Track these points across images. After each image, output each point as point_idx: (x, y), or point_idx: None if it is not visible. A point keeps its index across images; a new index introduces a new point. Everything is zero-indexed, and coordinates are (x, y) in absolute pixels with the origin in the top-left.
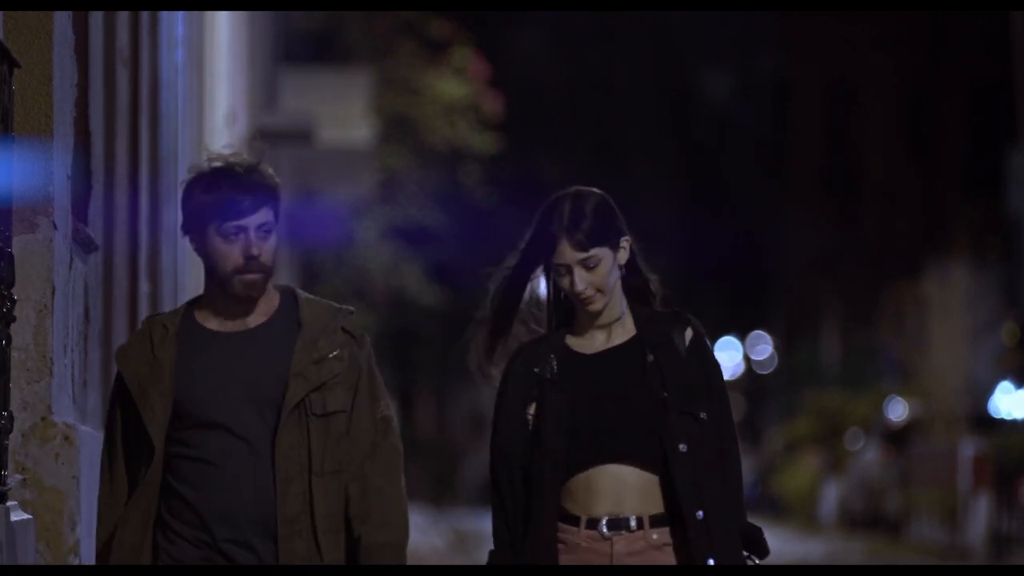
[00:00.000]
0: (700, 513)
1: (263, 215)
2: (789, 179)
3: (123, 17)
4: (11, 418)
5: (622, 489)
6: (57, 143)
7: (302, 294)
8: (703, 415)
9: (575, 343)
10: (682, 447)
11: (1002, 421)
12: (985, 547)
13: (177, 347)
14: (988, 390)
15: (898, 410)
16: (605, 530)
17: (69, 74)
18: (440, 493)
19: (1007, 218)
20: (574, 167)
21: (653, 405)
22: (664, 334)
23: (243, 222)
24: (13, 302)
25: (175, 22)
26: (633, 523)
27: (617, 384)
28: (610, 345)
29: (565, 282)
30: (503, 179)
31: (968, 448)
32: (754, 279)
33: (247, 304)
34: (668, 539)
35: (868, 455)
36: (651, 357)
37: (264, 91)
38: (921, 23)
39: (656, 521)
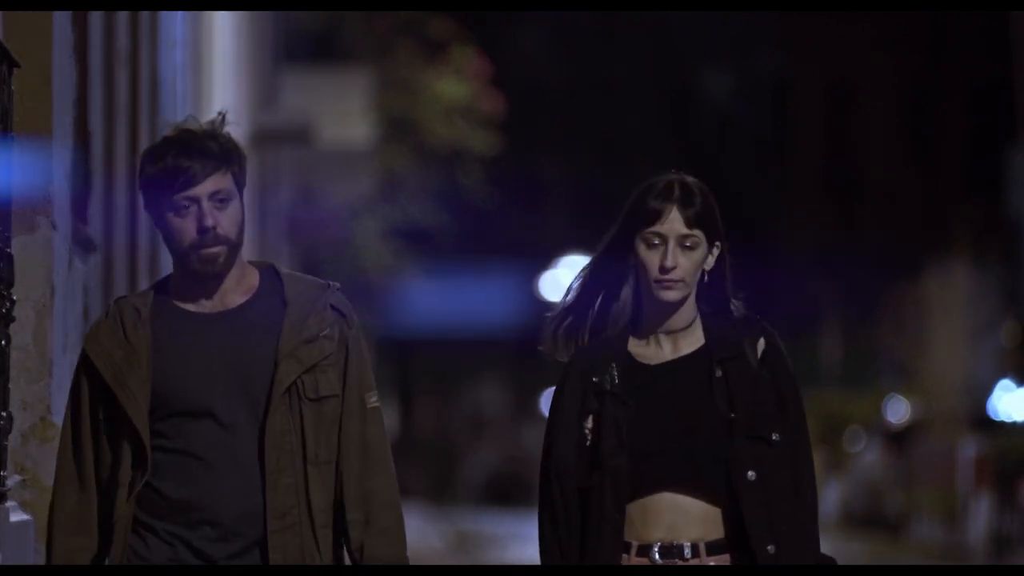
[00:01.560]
0: (771, 547)
1: (216, 181)
2: (789, 179)
3: (123, 17)
4: (11, 418)
5: (679, 517)
6: (57, 143)
7: (284, 270)
8: (775, 437)
9: (639, 351)
10: (751, 475)
11: (1002, 421)
12: (985, 547)
13: (152, 330)
14: (988, 390)
15: (899, 410)
16: (657, 557)
17: (69, 74)
18: (440, 493)
19: (1007, 218)
20: (574, 167)
21: (719, 428)
22: (735, 345)
23: (192, 192)
24: (13, 302)
25: (175, 22)
26: (688, 551)
27: (681, 401)
28: (677, 356)
29: (654, 256)
30: (503, 179)
31: (968, 448)
32: (753, 279)
33: (216, 281)
34: (727, 567)
35: (869, 455)
36: (719, 372)
37: (264, 91)
38: (921, 23)
39: (714, 548)
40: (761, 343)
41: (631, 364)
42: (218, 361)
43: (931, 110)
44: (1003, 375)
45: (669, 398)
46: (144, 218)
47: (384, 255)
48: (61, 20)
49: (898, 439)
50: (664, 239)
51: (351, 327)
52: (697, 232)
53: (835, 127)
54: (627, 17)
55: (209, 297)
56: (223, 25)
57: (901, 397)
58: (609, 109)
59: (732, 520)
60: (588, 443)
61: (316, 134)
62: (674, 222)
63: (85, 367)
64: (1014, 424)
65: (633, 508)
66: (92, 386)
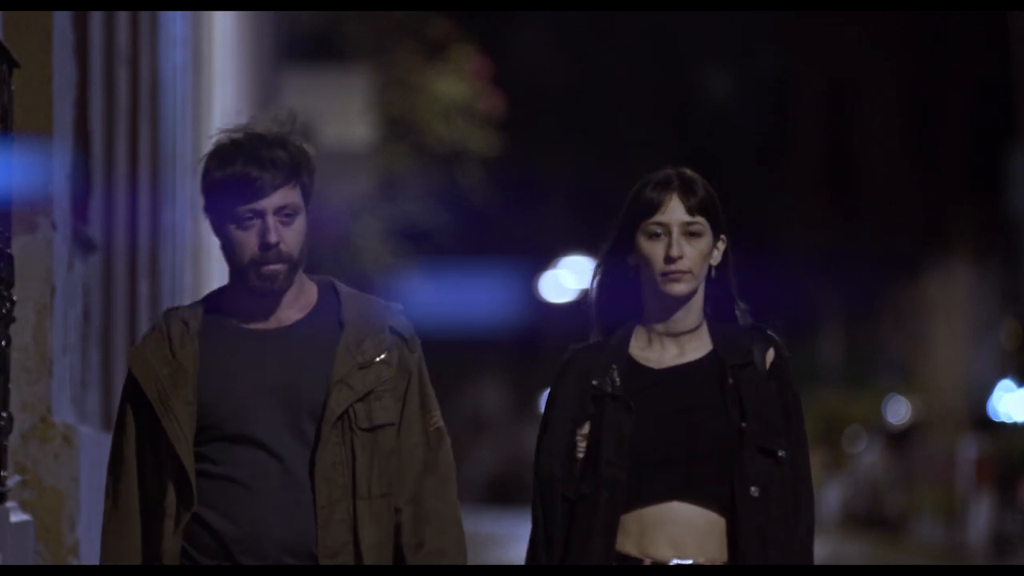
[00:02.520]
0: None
1: (284, 195)
2: (789, 179)
3: (123, 17)
4: (11, 419)
5: (685, 531)
6: (57, 143)
7: (344, 288)
8: (782, 453)
9: (641, 354)
10: (754, 491)
11: (1002, 422)
12: (986, 547)
13: (200, 346)
14: (989, 390)
15: (899, 411)
16: None
17: (69, 74)
18: None
19: (1007, 218)
20: (574, 167)
21: (729, 437)
22: (745, 353)
23: (258, 205)
24: (13, 303)
25: (175, 22)
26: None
27: (690, 408)
28: (683, 360)
29: (657, 247)
30: (503, 179)
31: (969, 448)
32: (753, 279)
33: (273, 298)
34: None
35: (869, 456)
36: (731, 380)
37: (264, 91)
38: (921, 23)
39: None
40: (771, 353)
41: (634, 367)
42: (267, 383)
43: (931, 110)
44: (1003, 375)
45: (675, 404)
46: (145, 218)
47: (384, 255)
48: (61, 20)
49: (898, 439)
50: (667, 228)
51: (413, 351)
52: (701, 219)
53: (835, 127)
54: (627, 17)
55: (264, 314)
56: (223, 25)
57: (901, 397)
58: (609, 109)
59: (732, 534)
60: (580, 451)
61: (316, 134)
62: (675, 210)
63: (130, 386)
64: (1014, 424)
65: (631, 519)
66: (137, 406)
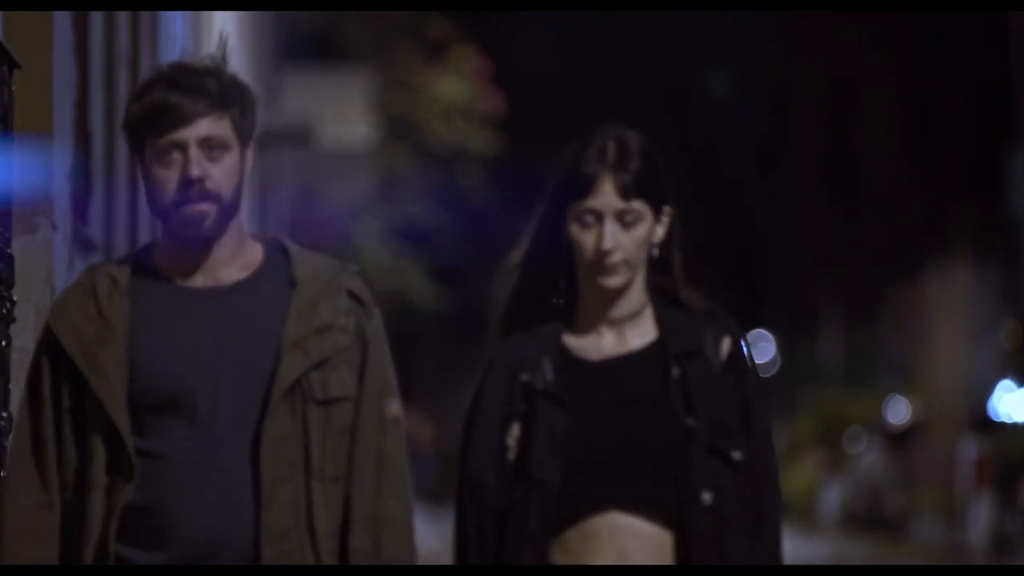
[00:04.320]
0: None
1: (210, 126)
2: (789, 179)
3: (123, 17)
4: (11, 419)
5: (630, 542)
6: (57, 143)
7: (293, 245)
8: (736, 455)
9: (576, 344)
10: (705, 496)
11: (1002, 422)
12: (986, 547)
13: (130, 304)
14: (989, 390)
15: (899, 411)
16: None
17: (69, 74)
18: (440, 493)
19: (1007, 218)
20: None
21: (674, 436)
22: (695, 341)
23: (179, 135)
24: (13, 303)
25: (175, 22)
26: None
27: (630, 403)
28: (623, 350)
29: (588, 237)
30: (503, 179)
31: (969, 449)
32: (754, 279)
33: (204, 248)
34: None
35: (869, 456)
36: (676, 371)
37: (264, 91)
38: (921, 23)
39: None
40: (726, 342)
41: (568, 359)
42: (207, 346)
43: (931, 110)
44: (1003, 375)
45: (614, 399)
46: (145, 218)
47: (384, 255)
48: (61, 20)
49: (898, 439)
50: (599, 215)
51: (371, 317)
52: (636, 204)
53: (835, 127)
54: (627, 17)
55: (198, 269)
56: (223, 25)
57: (901, 397)
58: (609, 109)
59: (683, 549)
60: (510, 454)
61: (316, 134)
62: (609, 195)
63: (48, 347)
64: (1014, 424)
65: (573, 533)
66: (56, 370)
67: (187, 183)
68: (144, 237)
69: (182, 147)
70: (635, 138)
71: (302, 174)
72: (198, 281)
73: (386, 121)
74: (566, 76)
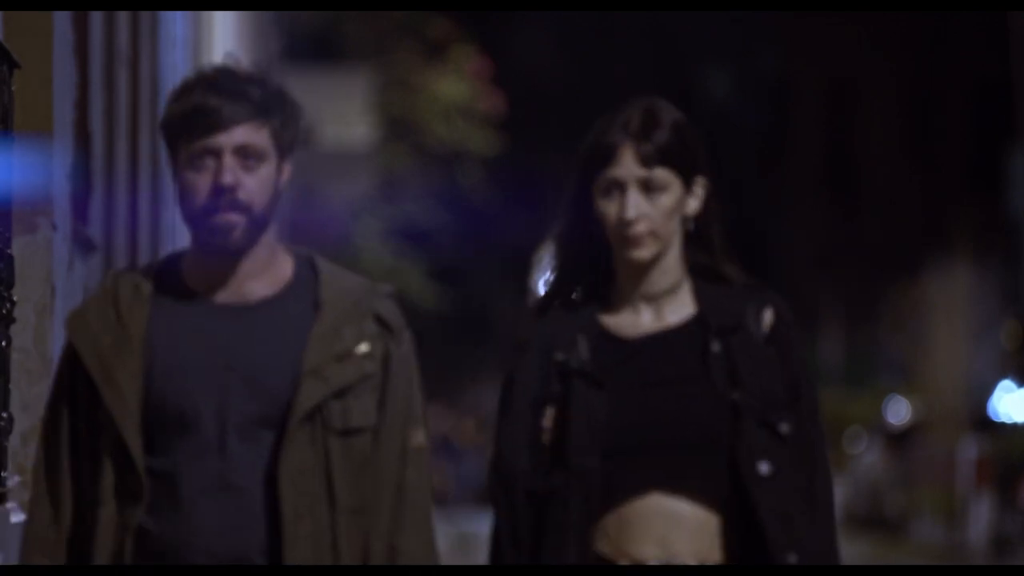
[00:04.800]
0: (793, 557)
1: (247, 134)
2: (789, 179)
3: (123, 17)
4: (11, 419)
5: (672, 528)
6: (57, 143)
7: (324, 263)
8: (784, 427)
9: (612, 321)
10: (763, 468)
11: (1003, 422)
12: (986, 547)
13: (151, 313)
14: (989, 390)
15: (899, 411)
16: None
17: (69, 74)
18: (440, 493)
19: (1007, 218)
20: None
21: (719, 412)
22: (735, 315)
23: (214, 141)
24: (13, 303)
25: (175, 22)
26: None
27: (670, 381)
28: (661, 326)
29: (611, 208)
30: (503, 179)
31: (969, 449)
32: (754, 278)
33: (232, 262)
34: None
35: (869, 456)
36: (716, 346)
37: None
38: (921, 23)
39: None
40: (768, 315)
41: (604, 337)
42: (222, 367)
43: (931, 110)
44: (1003, 375)
45: (653, 377)
46: (145, 218)
47: (384, 255)
48: (61, 20)
49: (898, 439)
50: (621, 185)
51: (400, 344)
52: (660, 172)
53: (835, 127)
54: (627, 17)
55: (224, 282)
56: (223, 25)
57: (901, 397)
58: (609, 109)
59: (738, 529)
60: (545, 438)
61: (316, 134)
62: (630, 163)
63: (67, 355)
64: (1014, 424)
65: (611, 519)
66: (74, 379)
67: (218, 191)
68: (144, 237)
69: (216, 153)
70: (665, 108)
71: (302, 174)
72: (222, 296)
73: (386, 121)
74: (566, 76)
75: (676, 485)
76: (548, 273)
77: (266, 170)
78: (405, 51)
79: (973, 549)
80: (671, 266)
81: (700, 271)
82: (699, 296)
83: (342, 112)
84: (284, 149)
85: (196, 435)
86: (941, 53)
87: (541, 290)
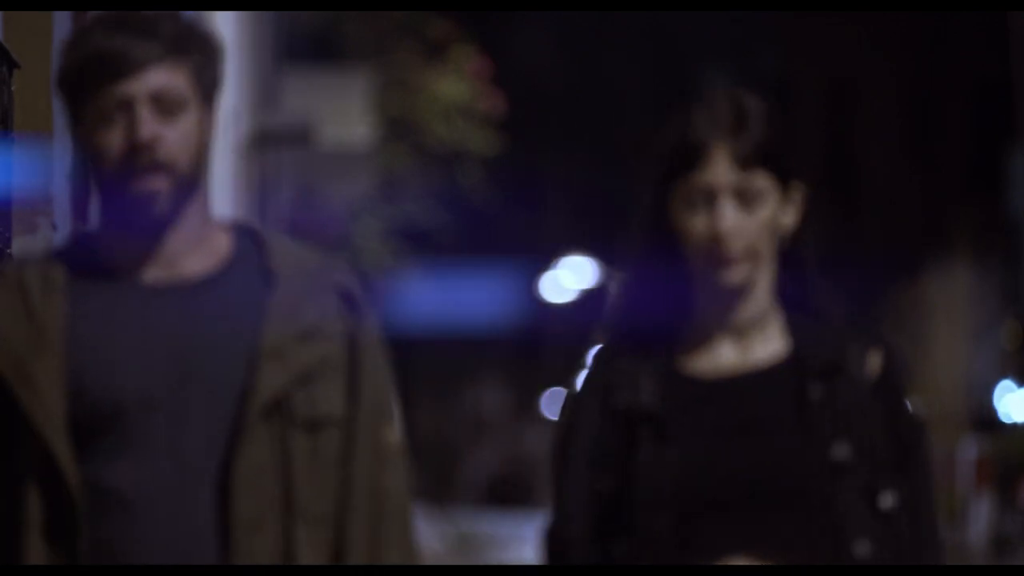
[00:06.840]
0: None
1: (162, 76)
2: None
3: None
4: None
5: None
6: (57, 143)
7: (269, 232)
8: (890, 500)
9: (686, 358)
10: (861, 550)
11: (1003, 422)
12: (986, 547)
13: (69, 303)
14: (989, 390)
15: None
16: None
17: None
18: (440, 494)
19: (1007, 218)
20: (574, 167)
21: (815, 469)
22: (836, 356)
23: (125, 88)
24: None
25: None
26: None
27: (757, 429)
28: (746, 365)
29: (698, 221)
30: (503, 179)
31: (969, 449)
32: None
33: (157, 233)
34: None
35: None
36: (817, 390)
37: (264, 91)
38: (921, 23)
39: None
40: (875, 358)
41: (676, 377)
42: (164, 356)
43: (931, 110)
44: (1003, 375)
45: (735, 423)
46: None
47: (384, 255)
48: (61, 20)
49: None
50: (711, 193)
51: (366, 322)
52: (759, 178)
53: (835, 127)
54: (627, 17)
55: (152, 260)
56: (223, 25)
57: None
58: (609, 109)
59: None
60: (606, 496)
61: (316, 134)
62: (723, 166)
63: None
64: (1015, 425)
65: None
66: None
67: (133, 150)
68: None
69: (127, 104)
70: (754, 99)
71: (302, 174)
72: (153, 275)
73: (386, 121)
74: (566, 76)
75: (758, 548)
76: (616, 305)
77: (188, 119)
78: (405, 51)
79: (973, 549)
80: (761, 293)
81: (790, 300)
82: (792, 330)
83: (342, 112)
84: (207, 94)
85: (141, 440)
86: (941, 53)
87: (606, 324)
